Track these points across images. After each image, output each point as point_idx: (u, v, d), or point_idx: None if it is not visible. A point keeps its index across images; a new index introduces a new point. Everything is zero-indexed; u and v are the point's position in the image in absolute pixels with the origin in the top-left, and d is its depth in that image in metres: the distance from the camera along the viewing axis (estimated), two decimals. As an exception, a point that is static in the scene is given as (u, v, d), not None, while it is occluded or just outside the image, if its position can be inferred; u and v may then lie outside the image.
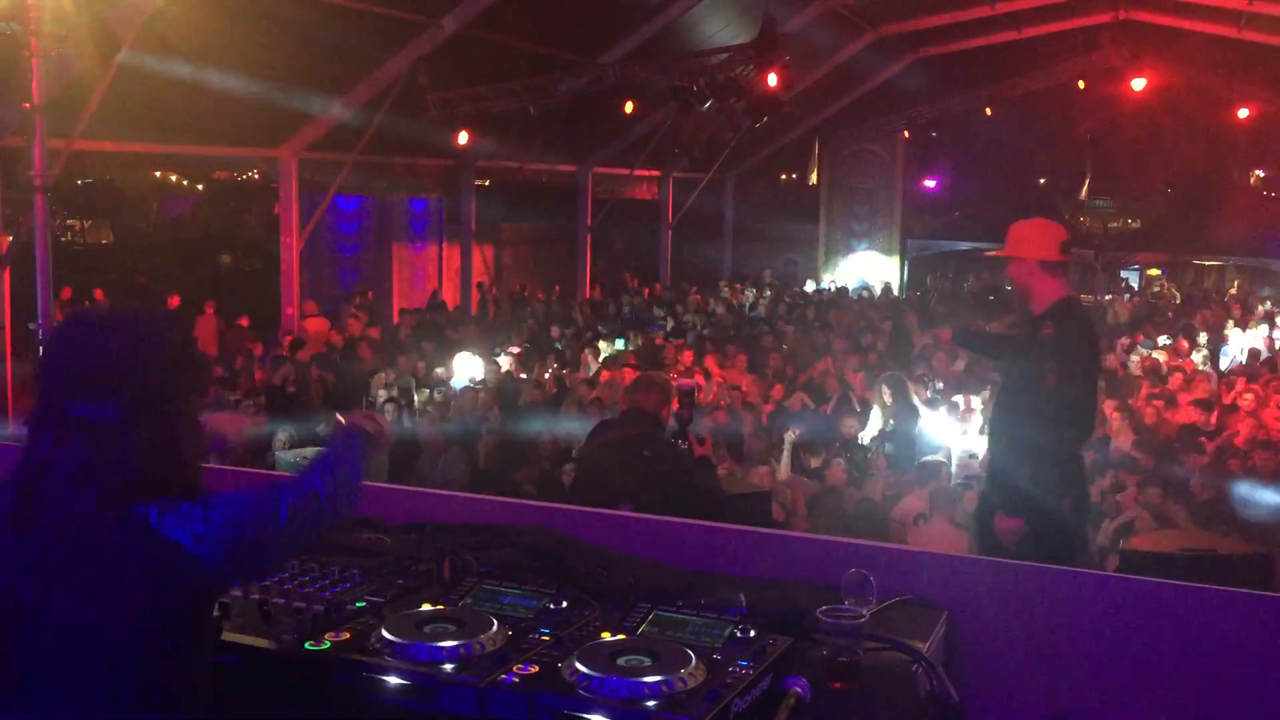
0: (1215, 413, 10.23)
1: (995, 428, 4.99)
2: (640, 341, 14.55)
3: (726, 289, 20.60)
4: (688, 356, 13.25)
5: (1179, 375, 11.90)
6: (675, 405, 5.28)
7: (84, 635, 1.96)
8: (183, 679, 2.05)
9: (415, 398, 11.11)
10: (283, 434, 8.81)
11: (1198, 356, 13.66)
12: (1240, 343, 14.77)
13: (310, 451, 7.45)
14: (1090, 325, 4.97)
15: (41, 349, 2.07)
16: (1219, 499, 7.54)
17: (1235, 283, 22.40)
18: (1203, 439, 9.08)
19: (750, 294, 20.29)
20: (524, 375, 12.30)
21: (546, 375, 12.18)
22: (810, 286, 22.24)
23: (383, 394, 10.81)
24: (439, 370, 12.22)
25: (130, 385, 1.99)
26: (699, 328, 16.34)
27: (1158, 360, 13.01)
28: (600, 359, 13.29)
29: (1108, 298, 19.81)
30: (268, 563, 2.26)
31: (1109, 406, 9.91)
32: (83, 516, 1.96)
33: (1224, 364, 13.57)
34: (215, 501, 2.03)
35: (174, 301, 14.29)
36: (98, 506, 1.96)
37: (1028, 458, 4.50)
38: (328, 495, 2.14)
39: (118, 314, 2.17)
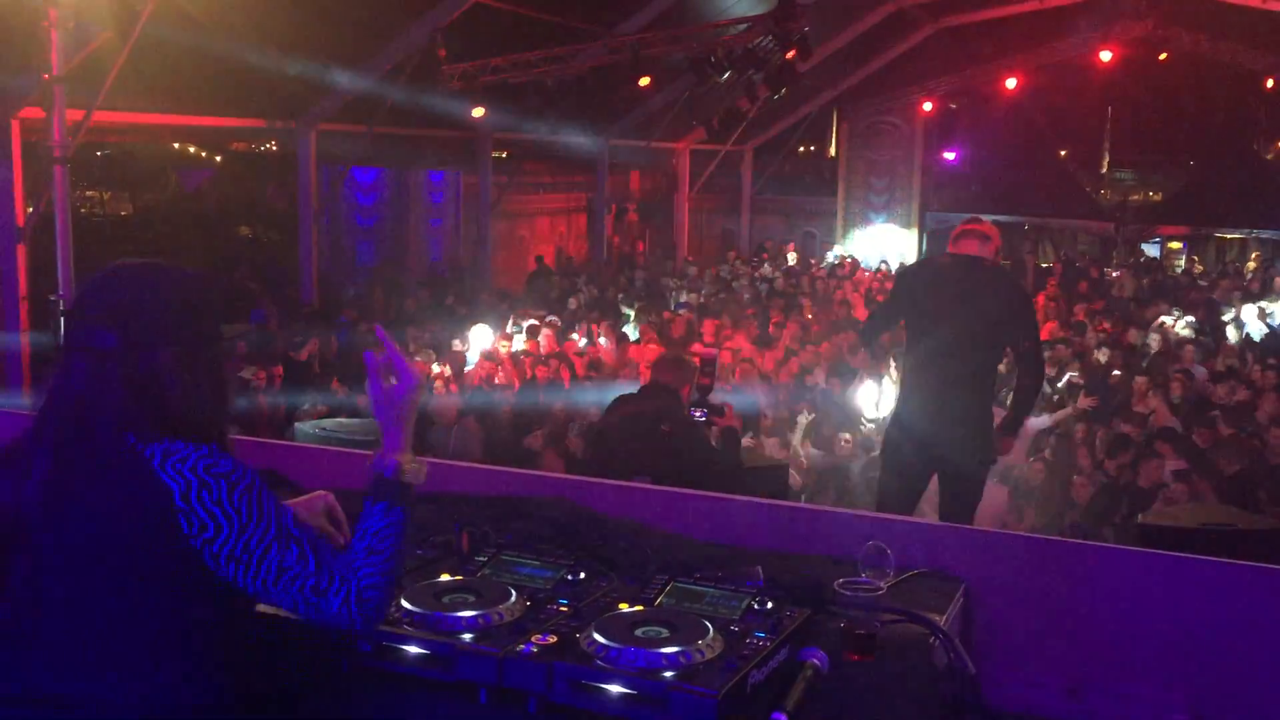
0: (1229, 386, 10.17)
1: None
2: (656, 314, 14.55)
3: (740, 262, 20.53)
4: (708, 327, 13.25)
5: (1192, 350, 11.87)
6: (698, 378, 5.30)
7: (85, 559, 2.00)
8: (193, 627, 2.05)
9: (434, 369, 11.13)
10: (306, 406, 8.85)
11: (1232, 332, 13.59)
12: (1250, 315, 14.60)
13: (329, 423, 7.46)
14: (937, 277, 5.65)
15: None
16: (1240, 473, 7.52)
17: (1255, 256, 22.16)
18: (1216, 413, 9.04)
19: (767, 267, 20.22)
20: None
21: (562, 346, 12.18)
22: (833, 256, 22.15)
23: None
24: (455, 342, 12.24)
25: (131, 319, 2.06)
26: (717, 297, 16.32)
27: (1179, 335, 12.97)
28: (619, 330, 13.29)
29: (1115, 274, 19.63)
30: (263, 598, 2.12)
31: (1140, 383, 9.92)
32: (83, 441, 2.03)
33: (1232, 337, 13.45)
34: (259, 512, 2.04)
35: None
36: (97, 433, 2.02)
37: None
38: (376, 604, 2.10)
39: (147, 262, 2.19)
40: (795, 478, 7.88)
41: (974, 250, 5.48)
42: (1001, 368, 6.94)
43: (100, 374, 2.05)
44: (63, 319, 2.03)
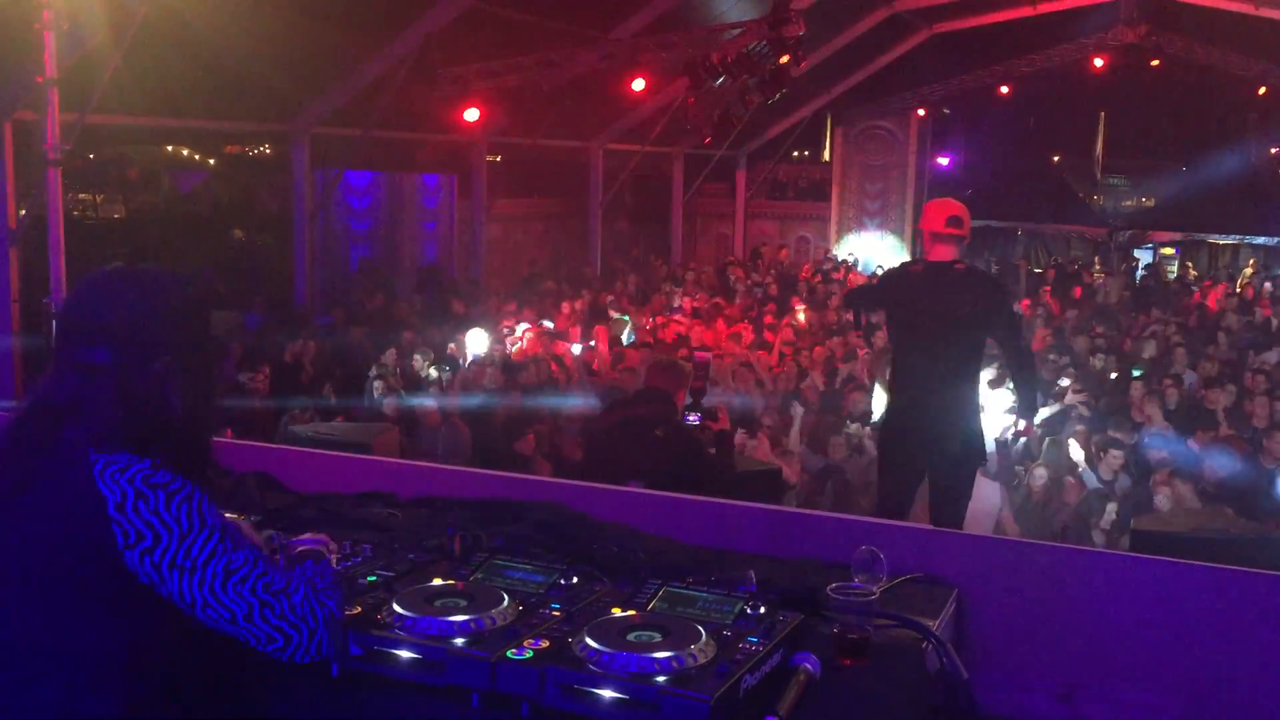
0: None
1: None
2: (650, 318, 14.56)
3: (735, 266, 20.53)
4: (701, 331, 13.25)
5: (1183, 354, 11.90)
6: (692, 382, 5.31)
7: (11, 564, 1.98)
8: (112, 640, 2.01)
9: (432, 373, 11.12)
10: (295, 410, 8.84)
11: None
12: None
13: (322, 426, 7.44)
14: (916, 283, 5.94)
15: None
16: (1232, 479, 7.54)
17: (1251, 261, 22.22)
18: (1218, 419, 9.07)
19: (758, 273, 20.21)
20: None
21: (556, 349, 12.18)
22: (838, 254, 22.19)
23: (376, 373, 10.77)
24: (451, 345, 12.24)
25: (121, 332, 2.04)
26: (713, 301, 16.32)
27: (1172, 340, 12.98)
28: (609, 335, 13.29)
29: (1100, 279, 19.67)
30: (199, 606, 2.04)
31: (1136, 389, 9.95)
32: (44, 450, 2.00)
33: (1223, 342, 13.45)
34: (198, 520, 2.01)
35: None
36: (62, 442, 1.99)
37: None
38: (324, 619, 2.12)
39: (132, 269, 2.19)
40: (788, 470, 7.98)
41: (949, 256, 5.86)
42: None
43: (91, 387, 2.03)
44: (54, 326, 2.04)
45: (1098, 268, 21.64)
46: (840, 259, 21.96)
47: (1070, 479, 7.89)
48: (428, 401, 9.59)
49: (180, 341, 2.10)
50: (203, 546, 1.99)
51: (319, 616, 2.10)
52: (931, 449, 5.76)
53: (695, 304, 16.12)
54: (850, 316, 7.56)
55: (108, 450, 2.00)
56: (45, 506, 1.98)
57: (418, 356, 11.22)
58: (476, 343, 12.32)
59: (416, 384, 10.66)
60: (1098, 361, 11.79)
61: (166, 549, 1.97)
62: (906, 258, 22.59)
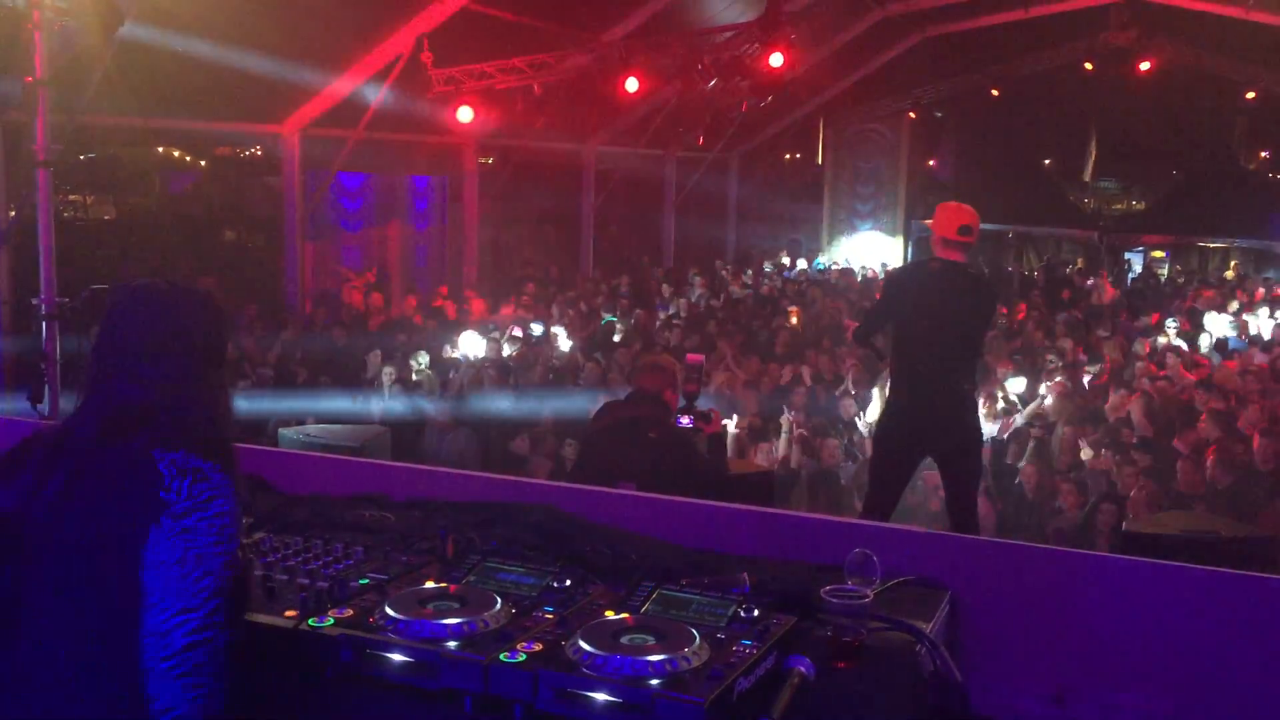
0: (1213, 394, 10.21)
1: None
2: (641, 320, 14.55)
3: (727, 271, 20.52)
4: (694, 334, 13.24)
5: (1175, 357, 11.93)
6: (685, 384, 5.31)
7: (79, 559, 2.11)
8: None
9: (423, 376, 11.11)
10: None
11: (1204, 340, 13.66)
12: (1219, 324, 14.65)
13: (315, 429, 7.42)
14: (929, 280, 6.16)
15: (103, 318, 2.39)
16: (1223, 481, 7.55)
17: (1233, 265, 22.27)
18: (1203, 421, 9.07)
19: (748, 275, 20.20)
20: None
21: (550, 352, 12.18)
22: (818, 263, 22.22)
23: (390, 371, 10.77)
24: (448, 348, 12.23)
25: (165, 348, 2.25)
26: (705, 307, 16.32)
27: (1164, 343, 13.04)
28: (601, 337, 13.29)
29: (1090, 281, 19.71)
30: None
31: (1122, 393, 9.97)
32: (109, 454, 2.17)
33: (1204, 345, 13.51)
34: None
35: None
36: (132, 447, 2.16)
37: None
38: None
39: (167, 285, 2.36)
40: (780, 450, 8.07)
41: (960, 258, 6.12)
42: None
43: (140, 400, 2.21)
44: (94, 344, 2.22)
45: (1079, 265, 21.69)
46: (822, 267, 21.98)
47: (1065, 485, 7.91)
48: (424, 403, 9.60)
49: (210, 356, 2.32)
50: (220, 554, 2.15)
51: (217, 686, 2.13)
52: (937, 442, 6.00)
53: (689, 306, 16.11)
54: (862, 348, 7.73)
55: (174, 450, 2.17)
56: (109, 507, 2.12)
57: (413, 359, 11.20)
58: (471, 345, 12.31)
59: (412, 386, 10.65)
60: (1090, 370, 11.79)
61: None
62: (898, 260, 22.66)
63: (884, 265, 21.88)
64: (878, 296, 7.37)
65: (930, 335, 5.95)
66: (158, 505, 2.10)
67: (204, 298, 2.39)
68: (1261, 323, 14.97)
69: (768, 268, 21.61)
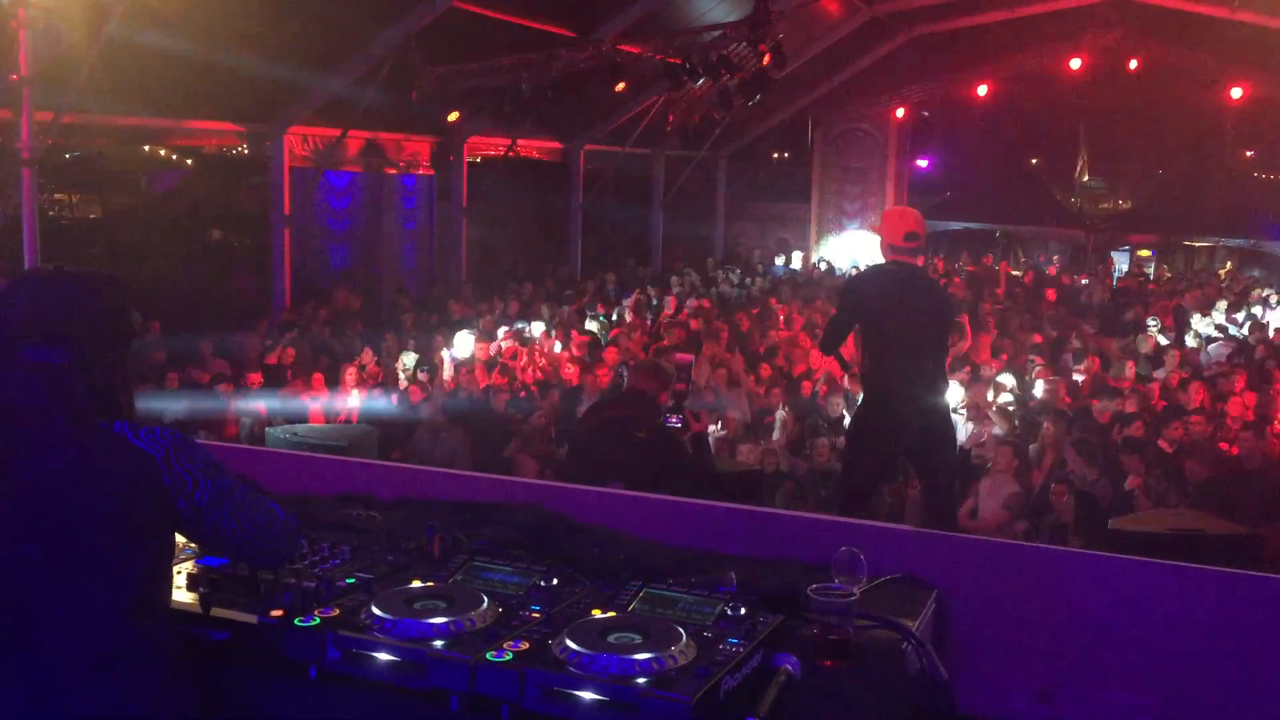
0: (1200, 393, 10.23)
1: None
2: (628, 319, 14.54)
3: (719, 270, 20.52)
4: (678, 335, 13.22)
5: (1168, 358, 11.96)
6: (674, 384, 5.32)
7: (71, 544, 2.15)
8: (160, 594, 2.29)
9: (408, 375, 11.09)
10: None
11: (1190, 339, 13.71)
12: (1203, 325, 14.70)
13: (302, 429, 7.42)
14: (889, 281, 6.31)
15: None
16: (1208, 479, 7.59)
17: (1228, 264, 22.36)
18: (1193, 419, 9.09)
19: (736, 274, 20.19)
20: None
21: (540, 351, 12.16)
22: (798, 261, 22.27)
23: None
24: (442, 349, 12.21)
25: (77, 334, 2.26)
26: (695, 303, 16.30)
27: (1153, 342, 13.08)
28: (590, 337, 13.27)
29: (1084, 281, 19.77)
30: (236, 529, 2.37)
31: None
32: (58, 438, 2.21)
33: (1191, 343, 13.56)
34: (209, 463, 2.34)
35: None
36: (69, 426, 2.22)
37: None
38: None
39: (64, 270, 2.37)
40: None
41: (911, 260, 6.34)
42: None
43: (58, 383, 2.23)
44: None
45: (1057, 262, 21.75)
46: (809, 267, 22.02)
47: (1056, 485, 7.93)
48: (433, 405, 9.58)
49: (118, 336, 2.36)
50: (223, 487, 2.33)
51: (293, 524, 2.48)
52: (913, 432, 6.15)
53: (680, 305, 16.10)
54: (835, 360, 7.86)
55: (110, 422, 2.26)
56: (102, 472, 2.21)
57: (403, 358, 11.18)
58: (460, 345, 12.29)
59: (400, 386, 10.63)
60: (1079, 371, 11.81)
61: (205, 491, 2.29)
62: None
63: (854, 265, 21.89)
64: (833, 311, 7.38)
65: (899, 331, 6.14)
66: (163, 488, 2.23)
67: (106, 281, 2.40)
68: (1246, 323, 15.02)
69: (759, 268, 21.65)
